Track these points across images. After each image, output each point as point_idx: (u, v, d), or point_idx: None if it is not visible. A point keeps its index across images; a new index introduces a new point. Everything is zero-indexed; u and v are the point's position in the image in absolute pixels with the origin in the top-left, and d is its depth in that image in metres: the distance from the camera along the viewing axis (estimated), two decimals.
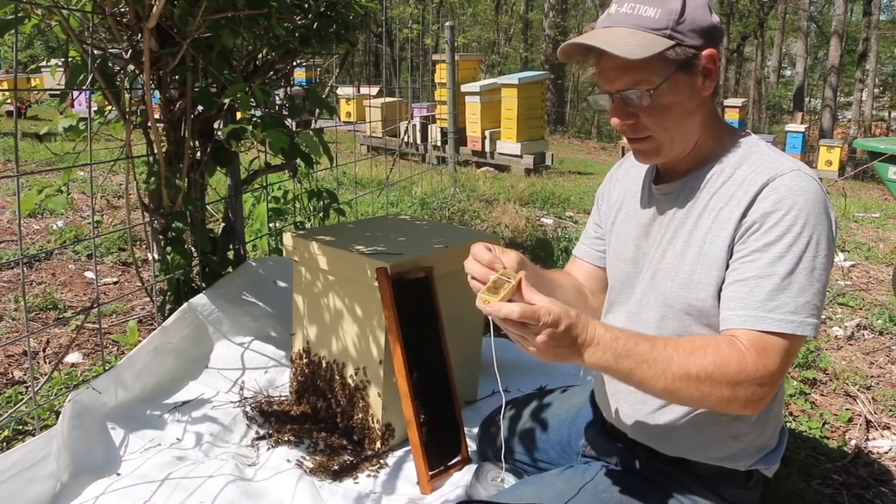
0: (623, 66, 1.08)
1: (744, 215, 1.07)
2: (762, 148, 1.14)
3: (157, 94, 2.01)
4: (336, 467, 1.70)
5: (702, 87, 1.12)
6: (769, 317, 1.02)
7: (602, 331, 1.00)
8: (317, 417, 1.90)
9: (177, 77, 1.95)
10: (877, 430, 2.24)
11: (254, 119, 1.96)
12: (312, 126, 2.24)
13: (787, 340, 1.02)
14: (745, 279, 1.06)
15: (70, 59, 1.84)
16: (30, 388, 1.99)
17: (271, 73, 2.30)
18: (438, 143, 8.24)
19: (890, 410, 2.37)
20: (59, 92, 1.88)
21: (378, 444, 1.78)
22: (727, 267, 1.10)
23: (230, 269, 2.29)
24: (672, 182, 1.21)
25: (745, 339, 1.03)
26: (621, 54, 1.05)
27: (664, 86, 1.09)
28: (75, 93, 1.96)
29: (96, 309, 1.97)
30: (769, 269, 1.04)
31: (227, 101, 1.90)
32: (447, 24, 6.34)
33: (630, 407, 1.26)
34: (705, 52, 1.10)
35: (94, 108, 1.94)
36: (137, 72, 1.92)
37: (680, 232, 1.17)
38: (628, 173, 1.37)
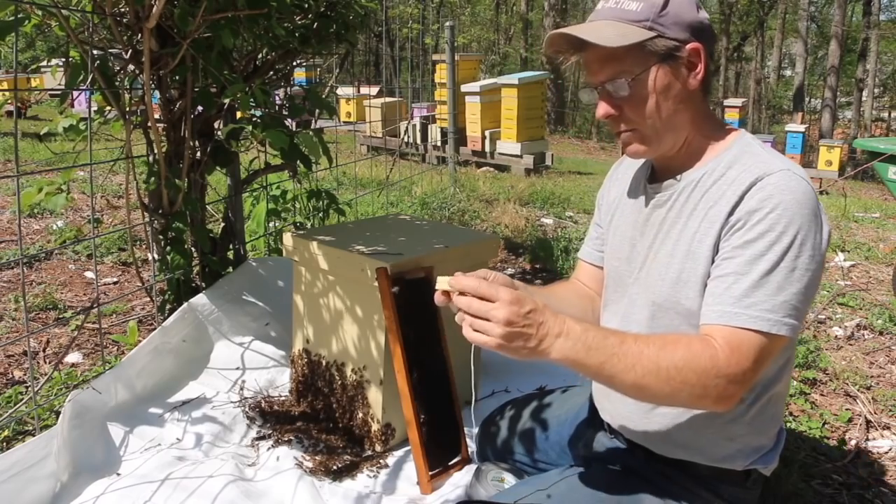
0: (604, 58, 1.11)
1: (731, 213, 1.07)
2: (755, 147, 1.14)
3: (157, 94, 2.00)
4: (336, 467, 1.70)
5: (687, 81, 1.13)
6: (744, 313, 1.02)
7: (572, 322, 1.00)
8: (317, 417, 1.90)
9: (177, 77, 1.95)
10: (877, 430, 2.24)
11: (254, 119, 1.96)
12: (312, 126, 2.24)
13: (763, 338, 1.01)
14: (723, 275, 1.06)
15: (70, 59, 1.84)
16: (30, 388, 1.99)
17: (271, 73, 2.30)
18: (438, 143, 8.23)
19: (890, 410, 2.37)
20: (59, 92, 1.88)
21: (378, 444, 1.78)
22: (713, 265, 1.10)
23: (230, 269, 2.29)
24: (666, 181, 1.21)
25: (719, 336, 1.02)
26: (599, 42, 1.07)
27: (644, 76, 1.10)
28: (75, 93, 1.96)
29: (96, 309, 1.97)
30: (748, 267, 1.03)
31: (227, 101, 1.90)
32: (447, 23, 6.33)
33: (626, 409, 1.26)
34: (689, 46, 1.11)
35: (94, 108, 1.94)
36: (137, 72, 1.92)
37: (672, 231, 1.17)
38: (626, 172, 1.37)
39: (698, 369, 0.99)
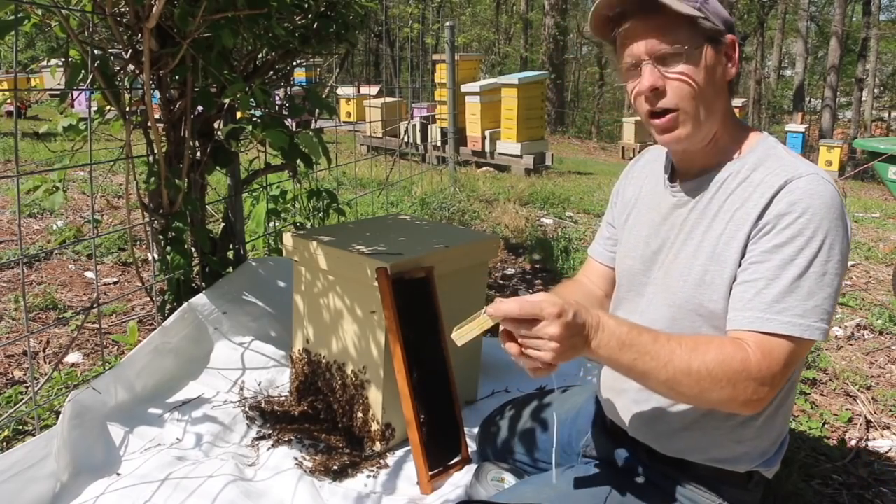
0: (661, 27, 1.09)
1: (760, 217, 1.07)
2: (780, 151, 1.14)
3: (157, 94, 2.00)
4: (336, 467, 1.70)
5: (727, 70, 1.14)
6: (776, 319, 1.02)
7: (606, 317, 1.01)
8: (317, 417, 1.90)
9: (177, 77, 1.95)
10: (877, 430, 2.24)
11: (254, 119, 1.96)
12: (312, 126, 2.24)
13: (794, 343, 1.02)
14: (753, 280, 1.06)
15: (70, 59, 1.84)
16: (30, 388, 1.99)
17: (271, 73, 2.30)
18: (438, 143, 8.24)
19: (890, 410, 2.37)
20: (59, 92, 1.88)
21: (378, 444, 1.78)
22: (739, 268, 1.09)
23: (230, 269, 2.29)
24: (687, 181, 1.21)
25: (751, 340, 1.03)
26: (666, 2, 1.05)
27: (697, 52, 1.10)
28: (75, 93, 1.97)
29: (96, 309, 1.97)
30: (778, 272, 1.04)
31: (227, 101, 1.90)
32: (447, 23, 6.33)
33: (635, 405, 1.26)
34: (729, 36, 1.13)
35: (94, 107, 1.94)
36: (137, 72, 1.92)
37: (694, 232, 1.17)
38: (644, 170, 1.36)
39: (729, 371, 1.00)
